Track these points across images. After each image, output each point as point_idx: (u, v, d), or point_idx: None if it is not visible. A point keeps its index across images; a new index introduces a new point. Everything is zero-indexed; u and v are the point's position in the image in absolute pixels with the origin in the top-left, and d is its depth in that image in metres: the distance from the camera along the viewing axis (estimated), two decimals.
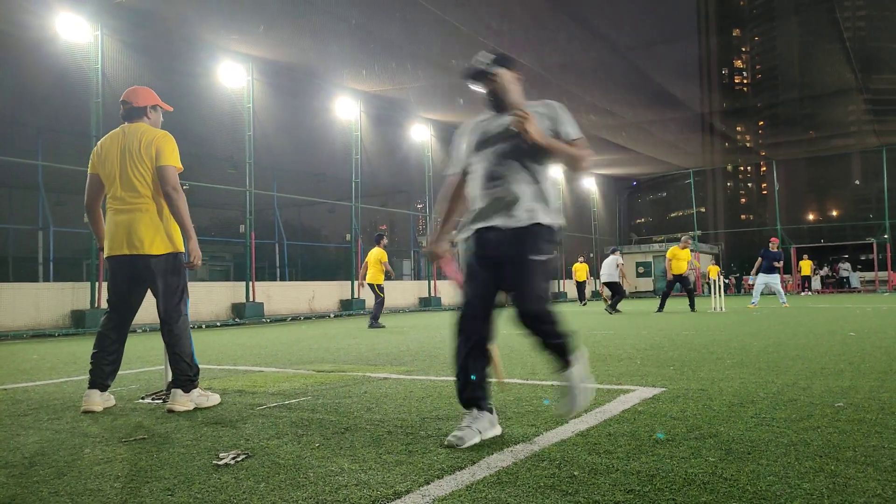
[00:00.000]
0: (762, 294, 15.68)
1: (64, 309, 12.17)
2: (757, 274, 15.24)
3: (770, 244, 15.31)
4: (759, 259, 15.25)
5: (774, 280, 14.98)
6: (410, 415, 3.24)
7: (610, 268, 15.36)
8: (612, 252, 15.83)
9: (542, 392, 3.82)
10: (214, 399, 3.75)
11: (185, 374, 3.61)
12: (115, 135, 3.78)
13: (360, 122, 19.14)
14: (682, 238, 14.75)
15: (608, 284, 15.43)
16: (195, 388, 3.65)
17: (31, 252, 18.20)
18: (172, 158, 3.69)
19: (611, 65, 18.46)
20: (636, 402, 3.42)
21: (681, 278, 14.26)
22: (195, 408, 3.59)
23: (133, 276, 3.69)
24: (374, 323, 11.26)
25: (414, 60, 16.56)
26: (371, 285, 11.57)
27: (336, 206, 23.17)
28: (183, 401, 3.57)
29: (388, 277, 11.74)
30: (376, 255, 11.54)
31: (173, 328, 3.65)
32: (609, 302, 15.05)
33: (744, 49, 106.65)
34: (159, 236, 3.64)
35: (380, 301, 11.47)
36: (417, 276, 26.74)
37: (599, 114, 21.52)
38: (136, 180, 3.64)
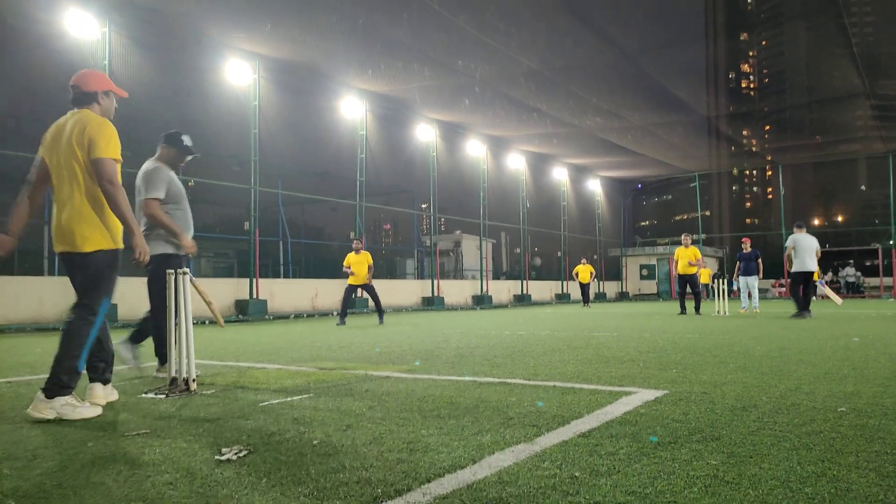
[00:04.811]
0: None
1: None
2: (738, 278, 15.29)
3: (742, 245, 15.33)
4: (738, 262, 15.30)
5: (753, 282, 14.99)
6: (412, 413, 3.24)
7: (811, 253, 11.95)
8: (799, 228, 12.30)
9: (544, 392, 3.81)
10: (88, 412, 3.30)
11: (57, 379, 3.25)
12: (61, 122, 3.53)
13: (366, 121, 19.16)
14: (683, 237, 14.54)
15: (805, 274, 11.96)
16: (61, 395, 3.24)
17: (36, 246, 18.26)
18: (108, 150, 3.38)
19: (617, 67, 18.45)
20: (638, 404, 3.42)
21: (688, 279, 14.11)
22: (57, 417, 3.22)
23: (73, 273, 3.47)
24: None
25: (420, 60, 16.58)
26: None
27: (340, 205, 23.20)
28: (42, 407, 3.20)
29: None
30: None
31: (73, 324, 3.38)
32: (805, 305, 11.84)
33: (751, 53, 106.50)
34: (94, 232, 3.40)
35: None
36: (421, 276, 26.75)
37: (605, 116, 21.51)
38: (69, 172, 3.40)
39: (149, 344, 4.89)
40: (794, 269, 12.02)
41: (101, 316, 3.47)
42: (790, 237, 12.23)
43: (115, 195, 3.36)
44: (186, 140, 4.96)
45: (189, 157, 5.01)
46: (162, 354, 4.72)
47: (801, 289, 11.99)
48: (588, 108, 20.84)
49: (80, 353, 3.34)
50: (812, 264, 11.87)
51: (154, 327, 4.75)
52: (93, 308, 3.43)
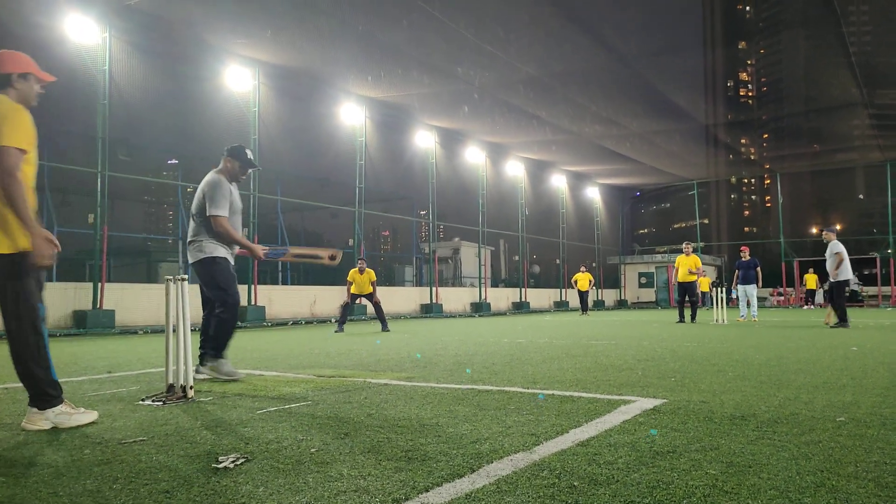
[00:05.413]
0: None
1: (66, 309, 12.19)
2: (737, 286, 15.34)
3: (741, 254, 15.39)
4: (736, 271, 15.34)
5: (752, 290, 15.03)
6: (410, 421, 3.24)
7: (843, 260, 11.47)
8: (831, 232, 11.75)
9: (542, 401, 3.81)
10: (84, 418, 3.25)
11: (40, 391, 3.17)
12: None
13: (365, 127, 19.19)
14: (684, 245, 14.73)
15: (840, 285, 11.47)
16: (53, 406, 3.19)
17: None
18: (13, 138, 3.04)
19: (616, 74, 18.52)
20: (637, 412, 3.41)
21: (687, 287, 14.19)
22: (53, 427, 3.18)
23: None
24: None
25: (420, 67, 16.63)
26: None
27: (339, 212, 23.21)
28: (36, 419, 3.16)
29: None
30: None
31: (21, 343, 3.15)
32: (833, 320, 11.50)
33: (749, 62, 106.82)
34: (11, 232, 3.08)
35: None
36: (419, 283, 26.72)
37: (604, 123, 21.56)
38: None
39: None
40: (843, 278, 11.39)
41: (43, 322, 3.23)
42: (835, 243, 11.42)
43: (10, 187, 3.01)
44: (249, 154, 5.14)
45: (250, 171, 5.18)
46: (213, 349, 4.93)
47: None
48: (587, 116, 20.90)
49: (48, 364, 3.21)
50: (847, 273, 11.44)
51: (215, 324, 4.91)
52: (32, 317, 3.14)
